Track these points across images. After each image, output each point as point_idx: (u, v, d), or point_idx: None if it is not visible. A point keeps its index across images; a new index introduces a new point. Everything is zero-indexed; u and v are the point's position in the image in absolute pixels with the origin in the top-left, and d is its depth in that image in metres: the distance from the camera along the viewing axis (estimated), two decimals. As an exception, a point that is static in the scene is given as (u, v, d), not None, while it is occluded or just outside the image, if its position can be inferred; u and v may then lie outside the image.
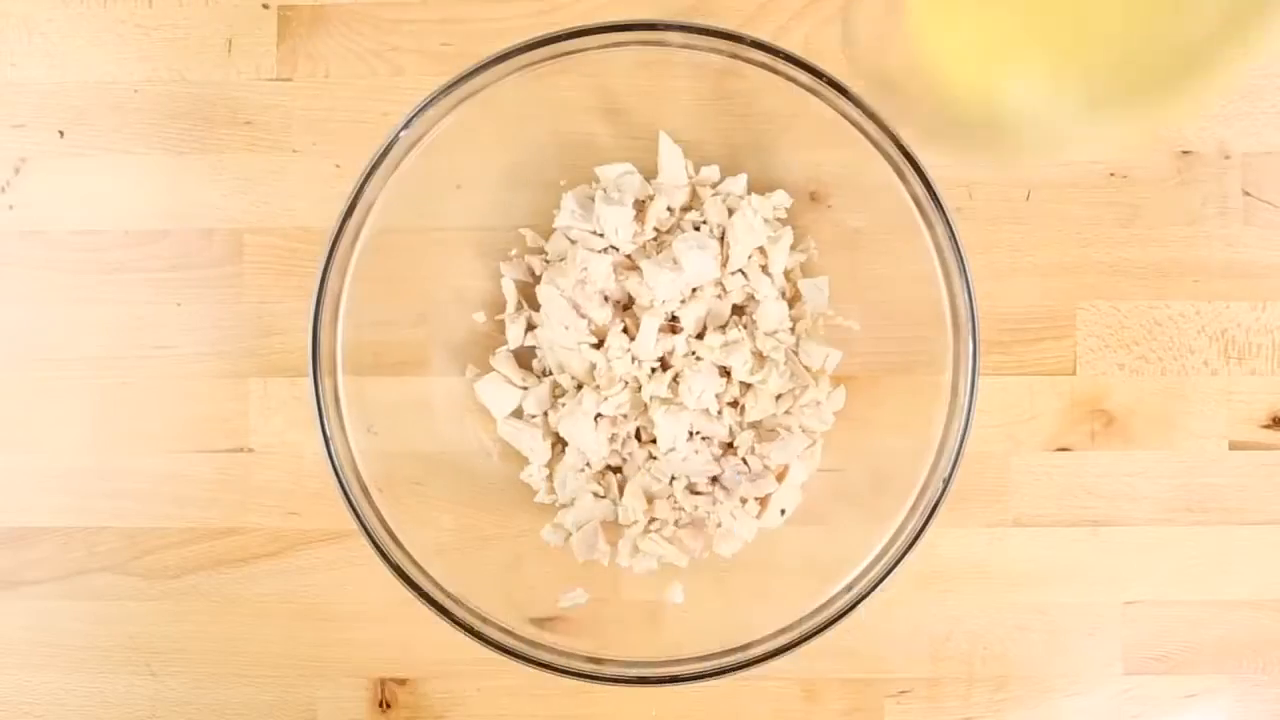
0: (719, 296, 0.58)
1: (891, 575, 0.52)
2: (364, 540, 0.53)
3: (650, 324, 0.57)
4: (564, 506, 0.59)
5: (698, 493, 0.59)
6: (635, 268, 0.58)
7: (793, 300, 0.59)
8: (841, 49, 0.38)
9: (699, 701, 0.61)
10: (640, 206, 0.59)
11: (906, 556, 0.52)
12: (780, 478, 0.58)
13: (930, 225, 0.53)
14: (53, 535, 0.61)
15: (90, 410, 0.61)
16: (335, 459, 0.53)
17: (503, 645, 0.53)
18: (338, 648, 0.61)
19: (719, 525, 0.58)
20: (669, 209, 0.59)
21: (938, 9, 0.28)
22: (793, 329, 0.59)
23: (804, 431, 0.59)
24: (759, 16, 0.60)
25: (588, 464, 0.59)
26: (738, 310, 0.59)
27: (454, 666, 0.61)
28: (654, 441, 0.58)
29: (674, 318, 0.58)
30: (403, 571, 0.53)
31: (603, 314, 0.58)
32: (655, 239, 0.59)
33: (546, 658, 0.53)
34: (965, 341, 0.52)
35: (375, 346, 0.57)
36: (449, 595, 0.53)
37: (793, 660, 0.52)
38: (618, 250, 0.59)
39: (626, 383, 0.57)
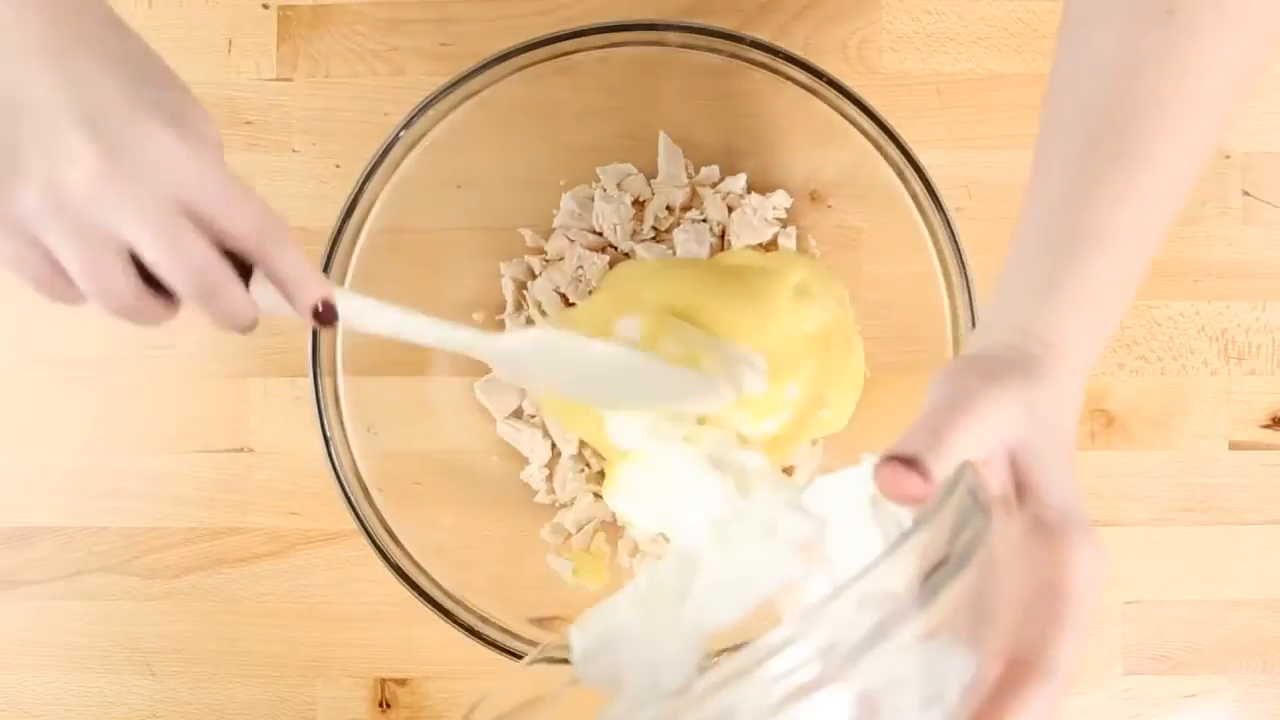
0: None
1: (891, 575, 0.51)
2: (364, 540, 0.53)
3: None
4: (564, 506, 0.59)
5: (698, 493, 0.59)
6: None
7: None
8: None
9: (699, 701, 0.60)
10: (639, 205, 0.59)
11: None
12: (780, 478, 0.58)
13: (930, 225, 0.53)
14: (53, 535, 0.61)
15: (90, 410, 0.61)
16: (335, 459, 0.53)
17: (502, 645, 0.52)
18: (338, 648, 0.61)
19: (719, 525, 0.58)
20: (668, 208, 0.59)
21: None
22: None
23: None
24: (759, 16, 0.60)
25: (587, 464, 0.59)
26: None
27: (454, 666, 0.61)
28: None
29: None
30: (403, 571, 0.53)
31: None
32: (654, 238, 0.59)
33: (546, 658, 0.53)
34: (965, 340, 0.52)
35: (375, 346, 0.56)
36: (449, 595, 0.53)
37: (793, 660, 0.52)
38: (615, 249, 0.59)
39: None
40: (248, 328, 0.41)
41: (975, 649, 0.32)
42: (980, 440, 0.34)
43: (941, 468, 0.32)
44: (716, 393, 0.53)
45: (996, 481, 0.35)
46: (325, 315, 0.42)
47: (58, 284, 0.38)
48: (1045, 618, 0.32)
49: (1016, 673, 0.32)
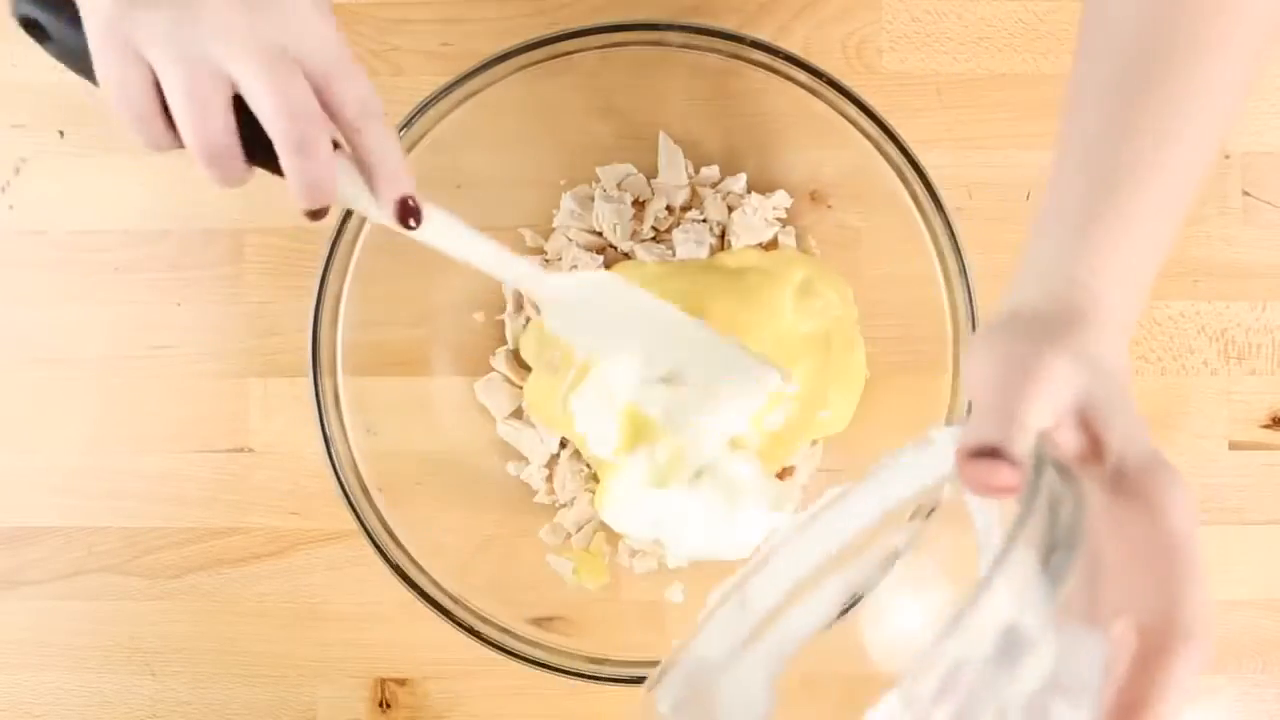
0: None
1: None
2: (364, 540, 0.53)
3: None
4: (563, 506, 0.59)
5: (698, 493, 0.59)
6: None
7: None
8: None
9: (699, 701, 0.61)
10: (639, 205, 0.59)
11: (906, 556, 0.51)
12: (783, 477, 0.58)
13: (930, 225, 0.53)
14: (53, 535, 0.61)
15: (90, 410, 0.61)
16: (335, 459, 0.53)
17: (502, 645, 0.53)
18: (338, 648, 0.61)
19: (719, 525, 0.58)
20: (668, 208, 0.59)
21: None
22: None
23: (804, 431, 0.59)
24: (759, 16, 0.60)
25: (586, 465, 0.59)
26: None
27: (454, 666, 0.61)
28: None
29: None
30: (403, 571, 0.53)
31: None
32: (654, 238, 0.59)
33: (546, 658, 0.53)
34: (965, 342, 0.52)
35: (375, 346, 0.57)
36: (449, 595, 0.53)
37: (793, 660, 0.52)
38: (615, 249, 0.59)
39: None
40: (321, 207, 0.40)
41: (1098, 626, 0.29)
42: (1050, 406, 0.31)
43: (1022, 447, 0.30)
44: (766, 378, 0.51)
45: (1071, 444, 0.32)
46: (410, 212, 0.41)
47: (155, 120, 0.39)
48: (1163, 574, 0.29)
49: (1155, 642, 0.29)
